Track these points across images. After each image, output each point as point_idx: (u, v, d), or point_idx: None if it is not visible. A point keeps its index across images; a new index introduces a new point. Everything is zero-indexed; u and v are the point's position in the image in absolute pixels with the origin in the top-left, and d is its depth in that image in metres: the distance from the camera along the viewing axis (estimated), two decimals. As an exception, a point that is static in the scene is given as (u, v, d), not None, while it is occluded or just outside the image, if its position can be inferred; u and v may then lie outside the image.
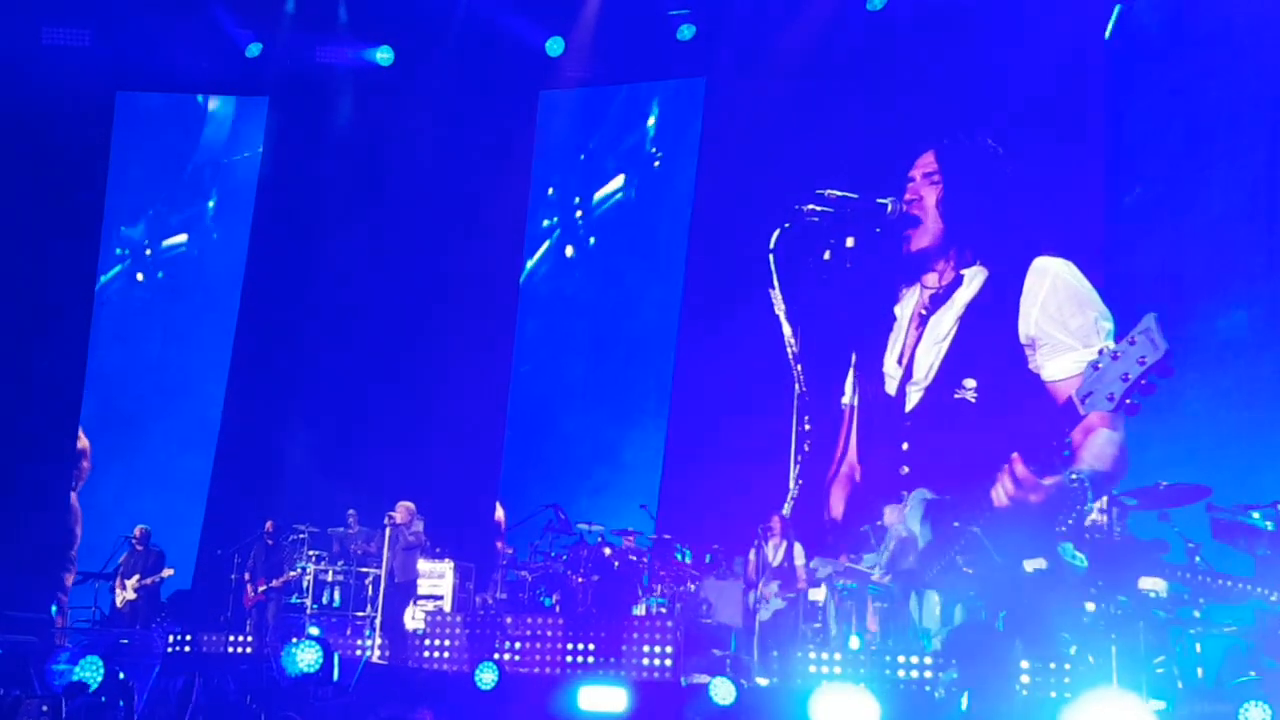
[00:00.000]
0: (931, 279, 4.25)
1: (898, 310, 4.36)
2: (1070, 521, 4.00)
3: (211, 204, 16.51)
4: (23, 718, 6.24)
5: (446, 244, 14.73)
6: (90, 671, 5.97)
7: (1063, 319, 4.07)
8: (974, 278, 4.22)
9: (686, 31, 14.87)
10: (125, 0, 14.80)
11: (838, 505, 4.38)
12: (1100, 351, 3.47)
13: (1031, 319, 4.09)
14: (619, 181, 14.31)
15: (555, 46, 15.20)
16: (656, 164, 14.13)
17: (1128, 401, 3.43)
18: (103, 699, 6.16)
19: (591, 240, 14.44)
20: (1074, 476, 3.90)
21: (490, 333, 14.84)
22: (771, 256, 3.71)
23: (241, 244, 15.90)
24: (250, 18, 15.41)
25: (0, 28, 14.55)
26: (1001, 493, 3.77)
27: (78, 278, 15.50)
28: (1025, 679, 6.76)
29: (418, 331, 14.85)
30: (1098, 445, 3.92)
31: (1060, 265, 4.18)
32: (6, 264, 14.41)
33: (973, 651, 4.57)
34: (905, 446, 4.18)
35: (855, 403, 4.35)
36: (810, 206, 3.85)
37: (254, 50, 15.61)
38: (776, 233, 3.74)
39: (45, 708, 6.36)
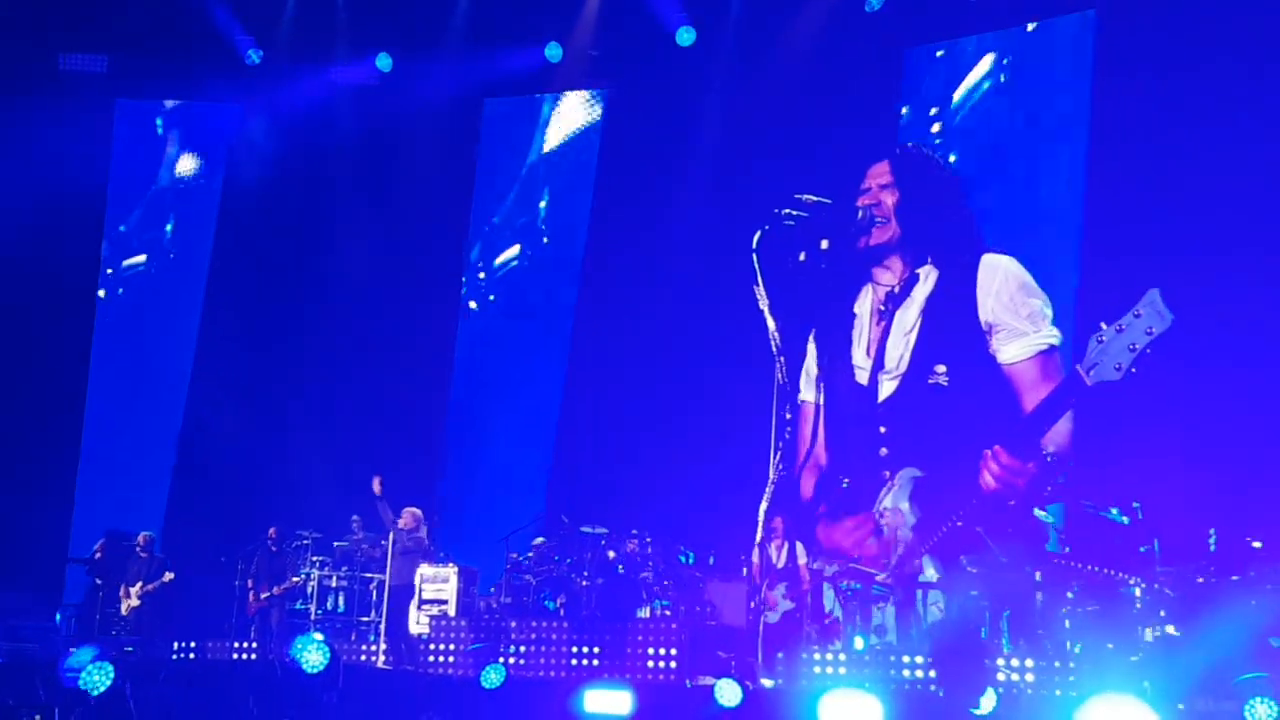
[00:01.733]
0: (887, 277, 4.51)
1: (857, 308, 4.60)
2: (1047, 490, 4.26)
3: (169, 227, 17.47)
4: None
5: (393, 271, 15.93)
6: (100, 677, 5.94)
7: (1014, 307, 4.36)
8: (928, 275, 4.50)
9: (686, 36, 15.05)
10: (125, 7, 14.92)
11: (807, 488, 4.59)
12: (1101, 325, 3.67)
13: (988, 307, 4.36)
14: (515, 250, 17.15)
15: (554, 52, 15.56)
16: (545, 240, 17.10)
17: (1133, 371, 3.64)
18: (98, 707, 6.12)
19: (491, 297, 17.23)
20: (1049, 454, 4.14)
21: (433, 354, 16.56)
22: (755, 255, 3.91)
23: (198, 263, 16.87)
24: (252, 25, 15.55)
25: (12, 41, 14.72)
26: (989, 478, 4.01)
27: (81, 279, 15.78)
28: (1000, 676, 7.09)
29: (366, 344, 15.77)
30: (1059, 428, 4.15)
31: (1007, 260, 4.48)
32: (16, 266, 14.58)
33: (948, 648, 4.70)
34: (882, 430, 4.38)
35: (819, 400, 4.54)
36: (787, 211, 4.05)
37: (254, 57, 15.74)
38: (758, 234, 3.96)
39: (38, 718, 6.32)
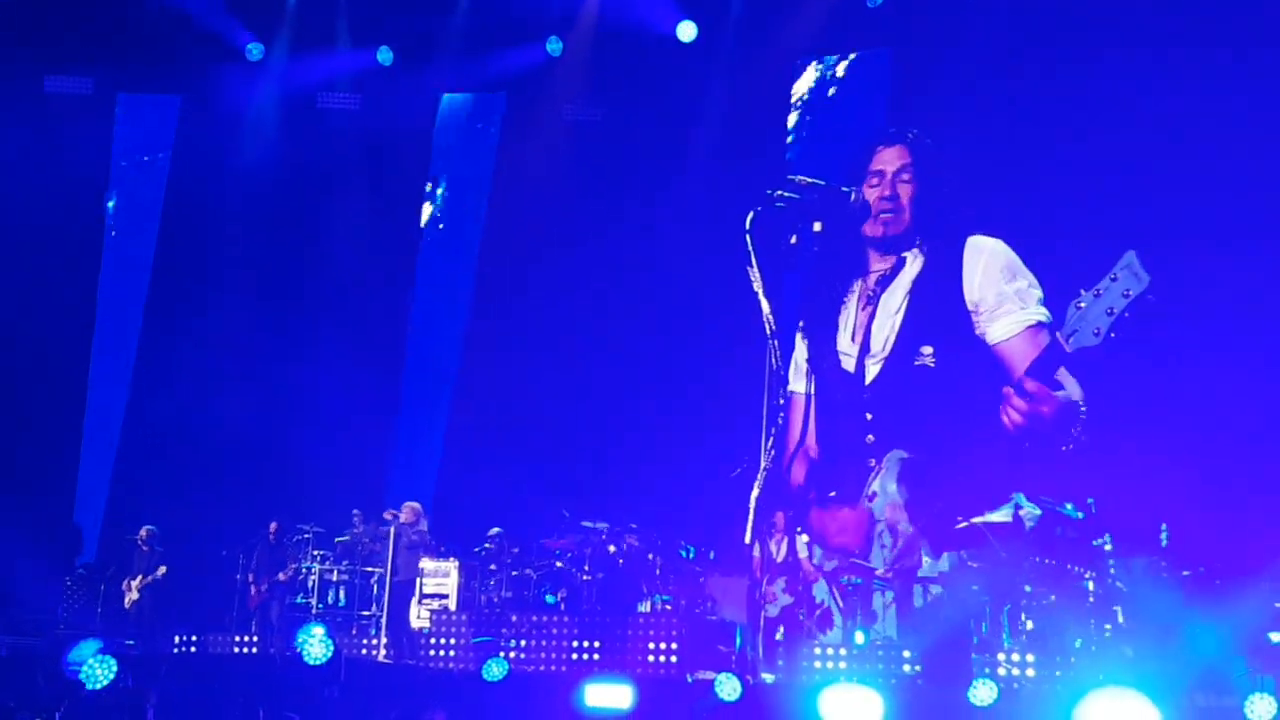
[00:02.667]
0: (879, 264, 4.42)
1: (847, 297, 4.52)
2: (1068, 448, 4.07)
3: (111, 204, 17.43)
4: None
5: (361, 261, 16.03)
6: (103, 671, 5.93)
7: (999, 286, 4.26)
8: (915, 258, 4.41)
9: (687, 31, 15.03)
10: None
11: (798, 478, 4.51)
12: (1080, 291, 3.61)
13: (974, 285, 4.28)
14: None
15: (554, 45, 15.59)
16: (441, 226, 17.98)
17: (1111, 335, 3.57)
18: (109, 703, 6.10)
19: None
20: (1081, 407, 4.00)
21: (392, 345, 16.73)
22: (749, 236, 3.81)
23: (142, 241, 16.77)
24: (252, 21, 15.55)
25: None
26: (1014, 413, 3.81)
27: (81, 273, 15.79)
28: (1001, 671, 7.12)
29: (336, 334, 15.69)
30: (1069, 380, 4.05)
31: (993, 241, 4.39)
32: (16, 261, 14.61)
33: (935, 638, 4.66)
34: (869, 416, 4.29)
35: (809, 389, 4.47)
36: (779, 192, 3.95)
37: (256, 53, 15.72)
38: (751, 215, 3.86)
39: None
